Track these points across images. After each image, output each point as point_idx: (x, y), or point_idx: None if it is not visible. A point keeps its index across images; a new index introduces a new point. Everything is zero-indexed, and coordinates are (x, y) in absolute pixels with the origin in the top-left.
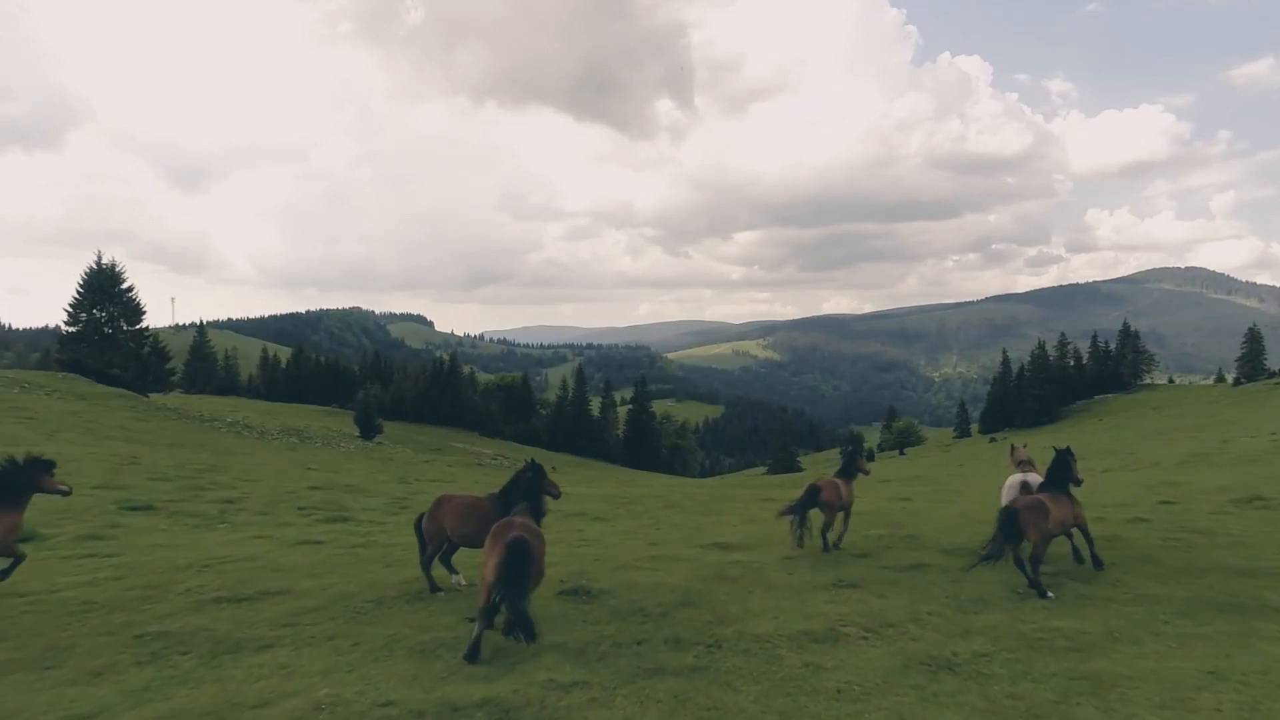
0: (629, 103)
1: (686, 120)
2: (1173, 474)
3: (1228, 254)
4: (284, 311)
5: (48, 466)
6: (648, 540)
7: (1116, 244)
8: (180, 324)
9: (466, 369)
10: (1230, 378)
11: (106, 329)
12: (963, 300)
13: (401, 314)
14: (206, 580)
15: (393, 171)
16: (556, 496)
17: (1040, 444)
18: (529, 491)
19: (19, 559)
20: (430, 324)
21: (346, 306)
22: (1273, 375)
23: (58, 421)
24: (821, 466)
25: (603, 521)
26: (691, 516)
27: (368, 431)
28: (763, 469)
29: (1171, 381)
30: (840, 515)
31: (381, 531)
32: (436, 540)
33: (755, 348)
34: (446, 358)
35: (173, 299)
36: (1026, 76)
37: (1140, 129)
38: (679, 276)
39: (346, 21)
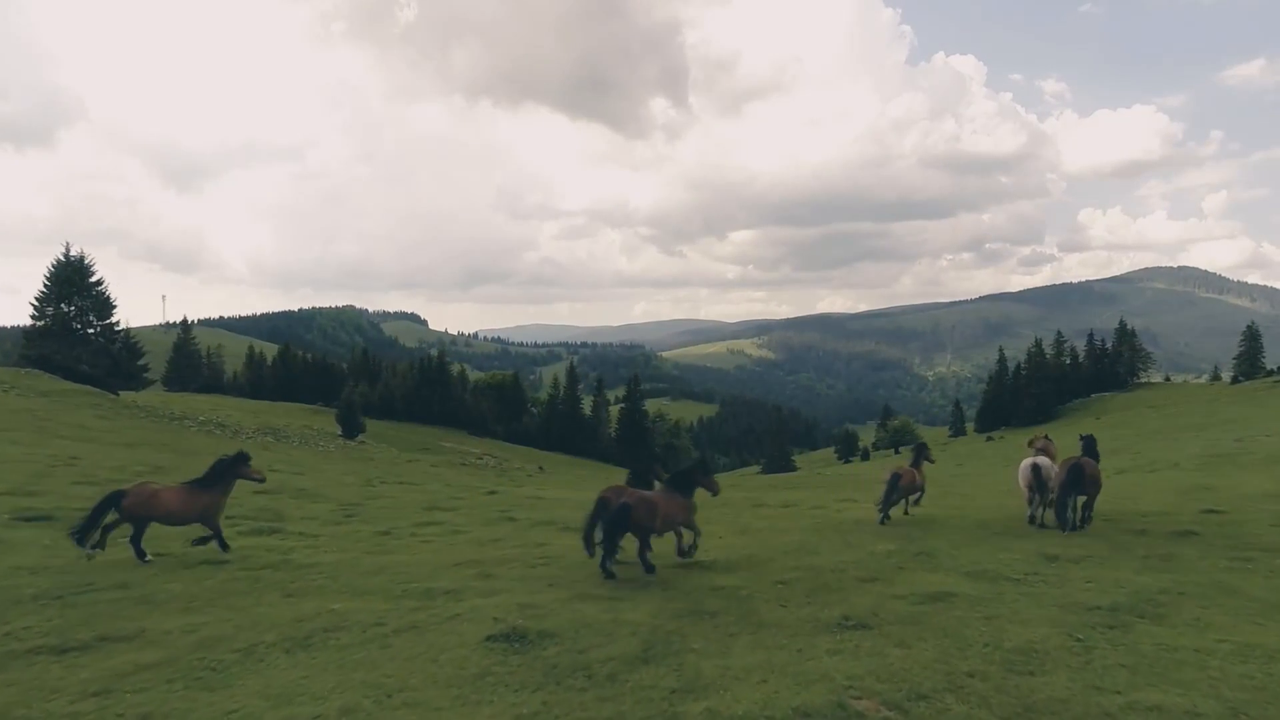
0: (625, 102)
1: (682, 119)
2: (1199, 476)
3: (1220, 254)
4: (277, 310)
5: (246, 458)
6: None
7: (1109, 243)
8: (171, 322)
9: (458, 367)
10: (1227, 376)
11: (75, 324)
12: (957, 299)
13: (396, 313)
14: (40, 620)
15: (388, 171)
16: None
17: None
18: (686, 480)
19: (216, 533)
20: (424, 323)
21: (340, 305)
22: (1270, 373)
23: (7, 420)
24: (817, 465)
25: (573, 532)
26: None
27: (350, 430)
28: (757, 468)
29: (1168, 380)
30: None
31: (308, 547)
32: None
33: (750, 347)
34: (436, 355)
35: (163, 297)
36: (1020, 76)
37: (1133, 129)
38: (675, 276)
39: (339, 21)
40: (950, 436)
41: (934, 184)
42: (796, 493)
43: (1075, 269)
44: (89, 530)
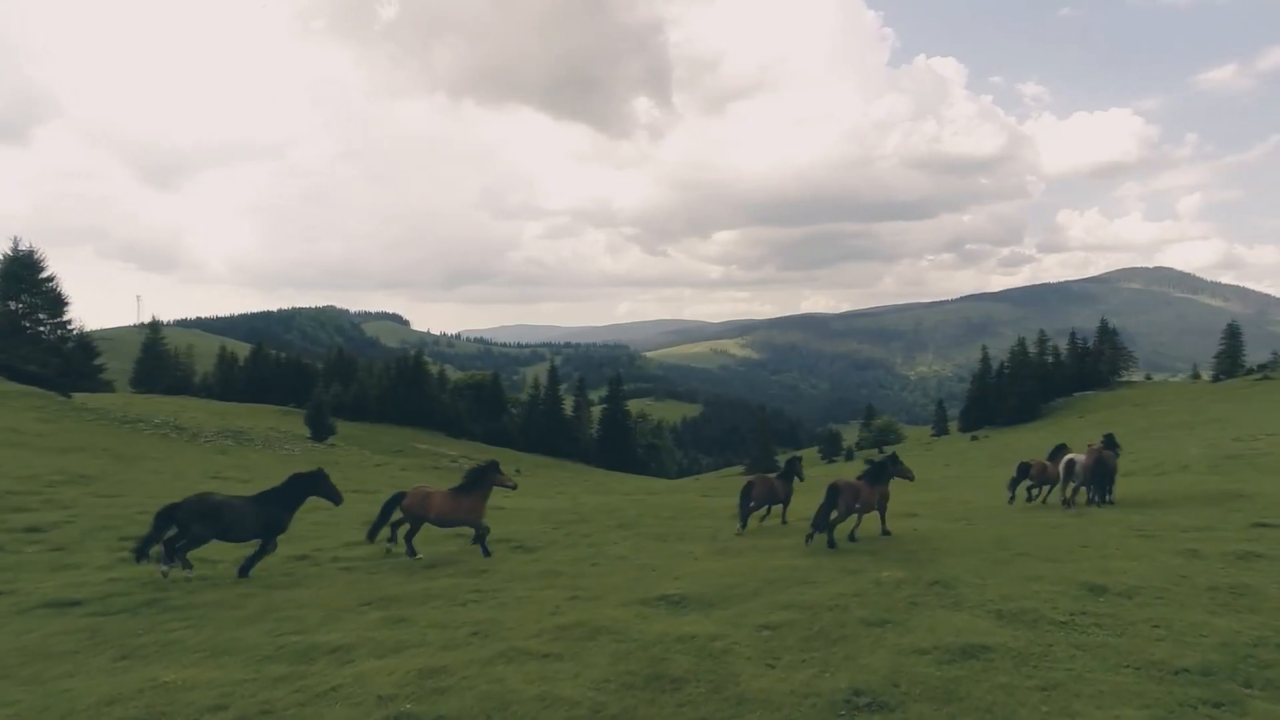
0: (608, 101)
1: (665, 119)
2: (1219, 480)
3: (1194, 254)
4: (256, 310)
5: (496, 466)
6: (569, 590)
7: (1087, 244)
8: (145, 322)
9: (437, 367)
10: (1207, 374)
11: (24, 322)
12: (938, 300)
13: (377, 313)
14: None
15: (371, 169)
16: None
17: (1024, 441)
18: (882, 470)
19: (482, 533)
20: (406, 323)
21: (321, 305)
22: (1251, 372)
23: None
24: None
25: (524, 553)
26: (644, 543)
27: (319, 432)
28: (741, 468)
29: (1149, 378)
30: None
31: (197, 580)
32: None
33: (734, 346)
34: (414, 355)
35: (138, 296)
36: (1000, 79)
37: (1110, 131)
38: (659, 275)
39: (319, 18)
40: (933, 436)
41: (915, 185)
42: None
43: (1054, 269)
44: (378, 530)
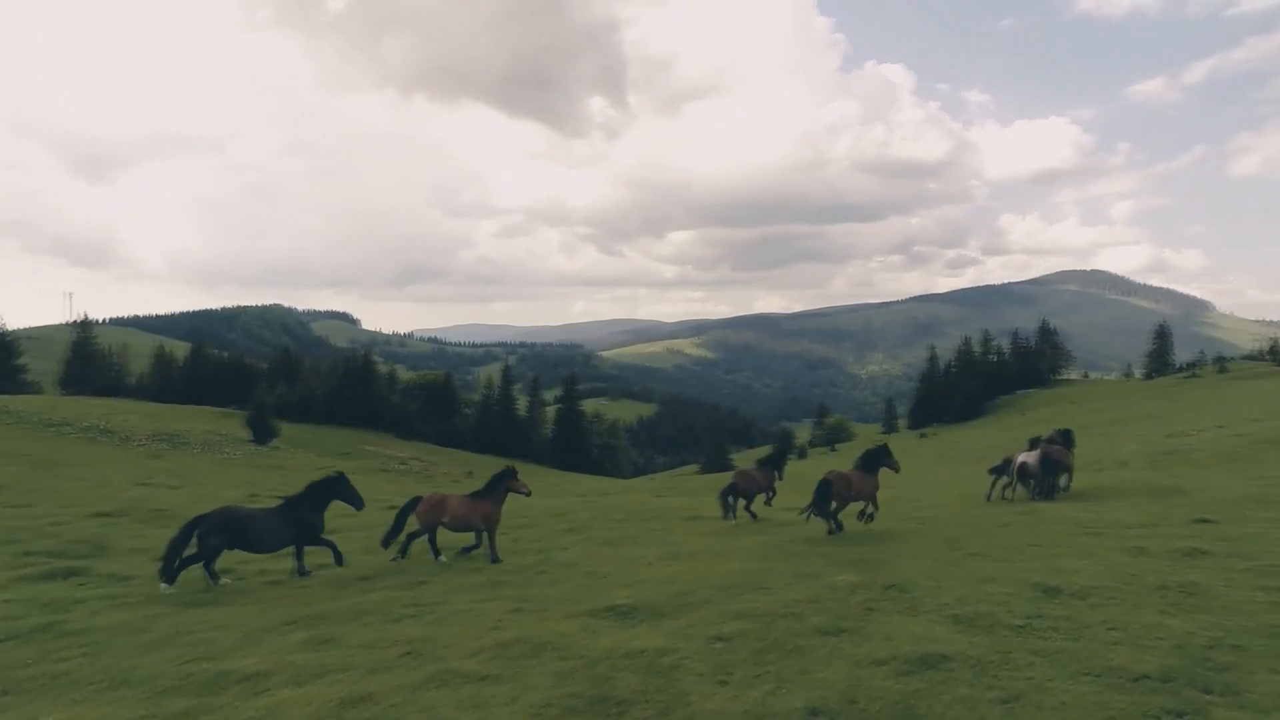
0: (562, 99)
1: (621, 118)
2: (1157, 476)
3: (1126, 258)
4: (197, 309)
5: (513, 473)
6: (514, 601)
7: (1027, 247)
8: (76, 320)
9: (387, 367)
10: (1138, 373)
11: None
12: (887, 300)
13: (326, 312)
14: None
15: (319, 164)
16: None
17: (970, 438)
18: (874, 460)
19: (492, 537)
20: (356, 322)
21: (266, 304)
22: (1179, 370)
23: None
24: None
25: (468, 560)
26: (594, 549)
27: (261, 435)
28: (695, 467)
29: (1086, 377)
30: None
31: (102, 601)
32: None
33: (689, 346)
34: (363, 354)
35: (69, 294)
36: (947, 86)
37: (1049, 139)
38: (614, 275)
39: (265, 7)
40: (883, 433)
41: (865, 188)
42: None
43: (996, 271)
44: (394, 536)
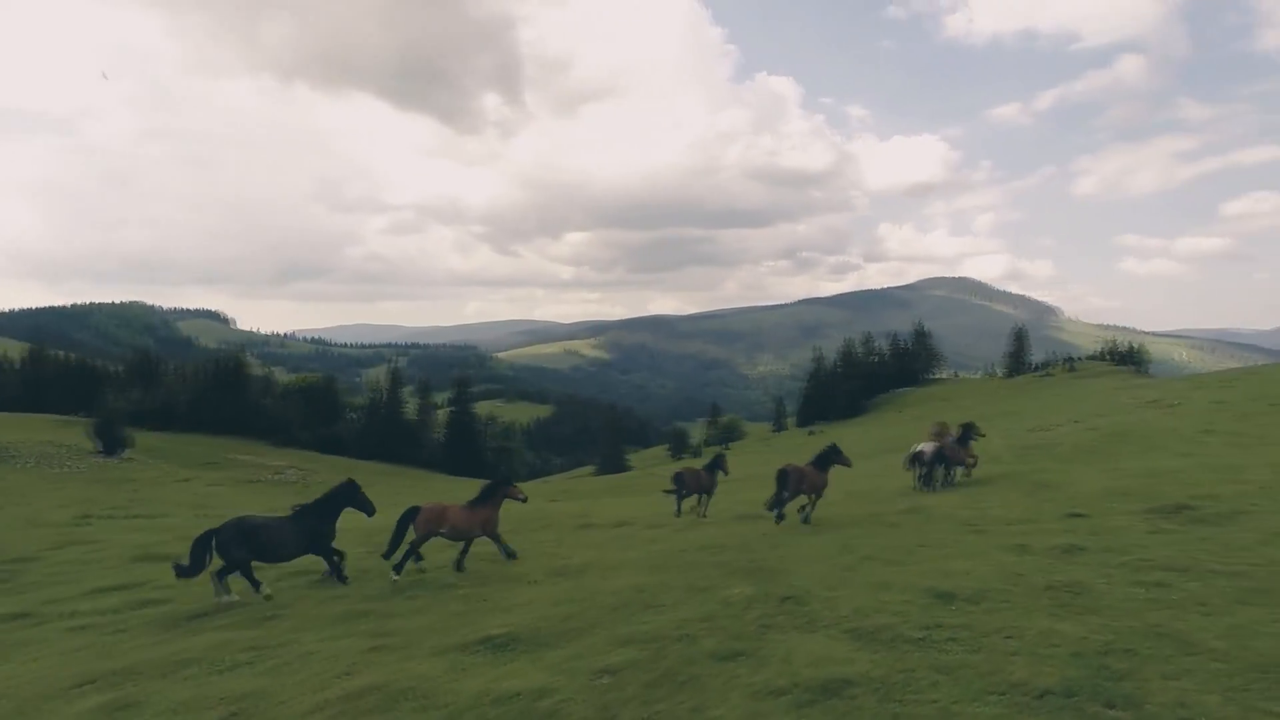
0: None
1: (516, 117)
2: (1025, 470)
3: (988, 266)
4: (42, 306)
5: (509, 480)
6: (373, 636)
7: (903, 255)
8: None
9: (263, 369)
10: (1000, 372)
11: None
12: (777, 303)
13: (195, 310)
14: None
15: (186, 151)
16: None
17: (853, 435)
18: (827, 458)
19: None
20: (229, 321)
21: (124, 301)
22: (1035, 369)
23: None
24: (650, 464)
25: (328, 586)
26: (476, 564)
27: (111, 445)
28: (592, 468)
29: (955, 376)
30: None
31: None
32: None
33: (585, 347)
34: (234, 356)
35: None
36: (831, 100)
37: (922, 154)
38: (509, 275)
39: None
40: (773, 431)
41: (755, 195)
42: (631, 501)
43: (876, 277)
44: (396, 548)
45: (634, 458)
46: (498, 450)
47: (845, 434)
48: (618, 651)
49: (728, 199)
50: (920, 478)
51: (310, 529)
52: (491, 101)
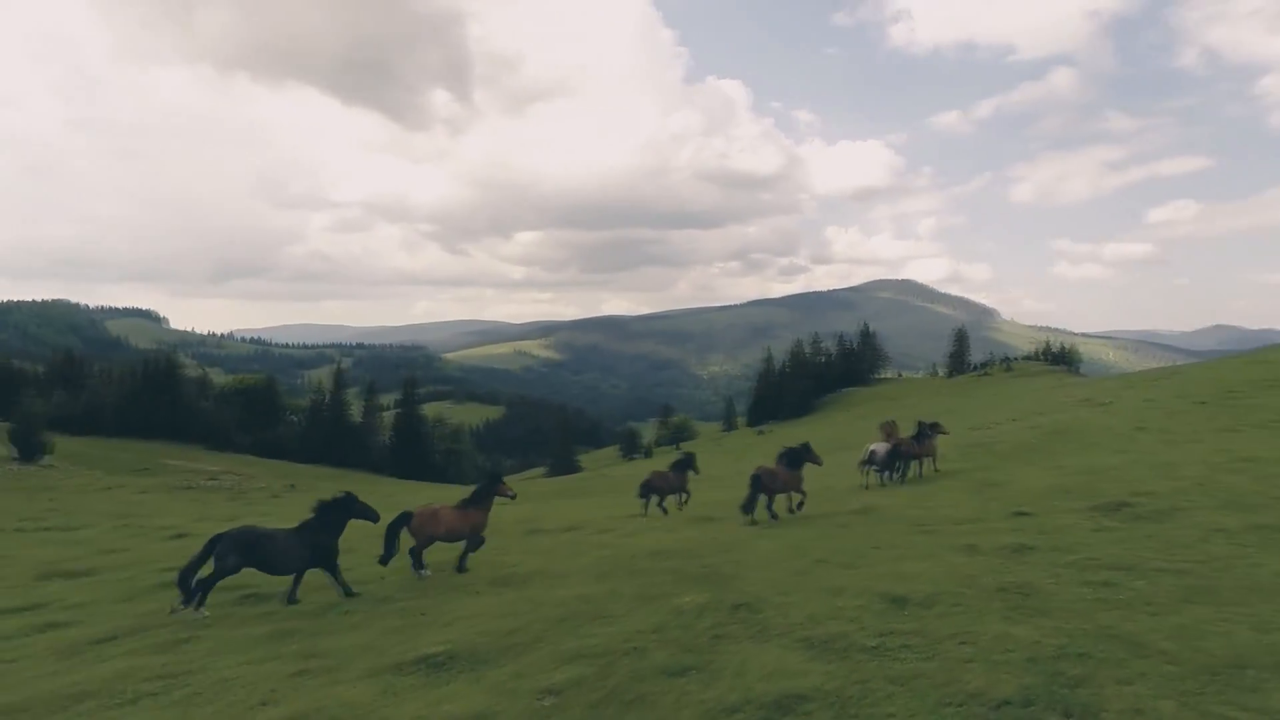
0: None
1: (466, 114)
2: (969, 467)
3: (930, 269)
4: None
5: (499, 478)
6: (300, 658)
7: (849, 257)
8: None
9: (199, 370)
10: (942, 372)
11: None
12: (727, 304)
13: (126, 309)
14: None
15: (118, 143)
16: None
17: (804, 433)
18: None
19: (479, 544)
20: (163, 321)
21: (48, 299)
22: (975, 369)
23: None
24: (602, 464)
25: (255, 603)
26: (413, 577)
27: (29, 451)
28: (543, 470)
29: (899, 376)
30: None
31: None
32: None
33: (536, 348)
34: (167, 356)
35: None
36: (780, 105)
37: (867, 159)
38: (459, 275)
39: None
40: (723, 431)
41: (706, 196)
42: (582, 504)
43: (823, 279)
44: (391, 555)
45: (585, 459)
46: (446, 452)
47: (795, 433)
48: (563, 668)
49: (679, 200)
50: (880, 474)
51: (314, 543)
52: (440, 98)
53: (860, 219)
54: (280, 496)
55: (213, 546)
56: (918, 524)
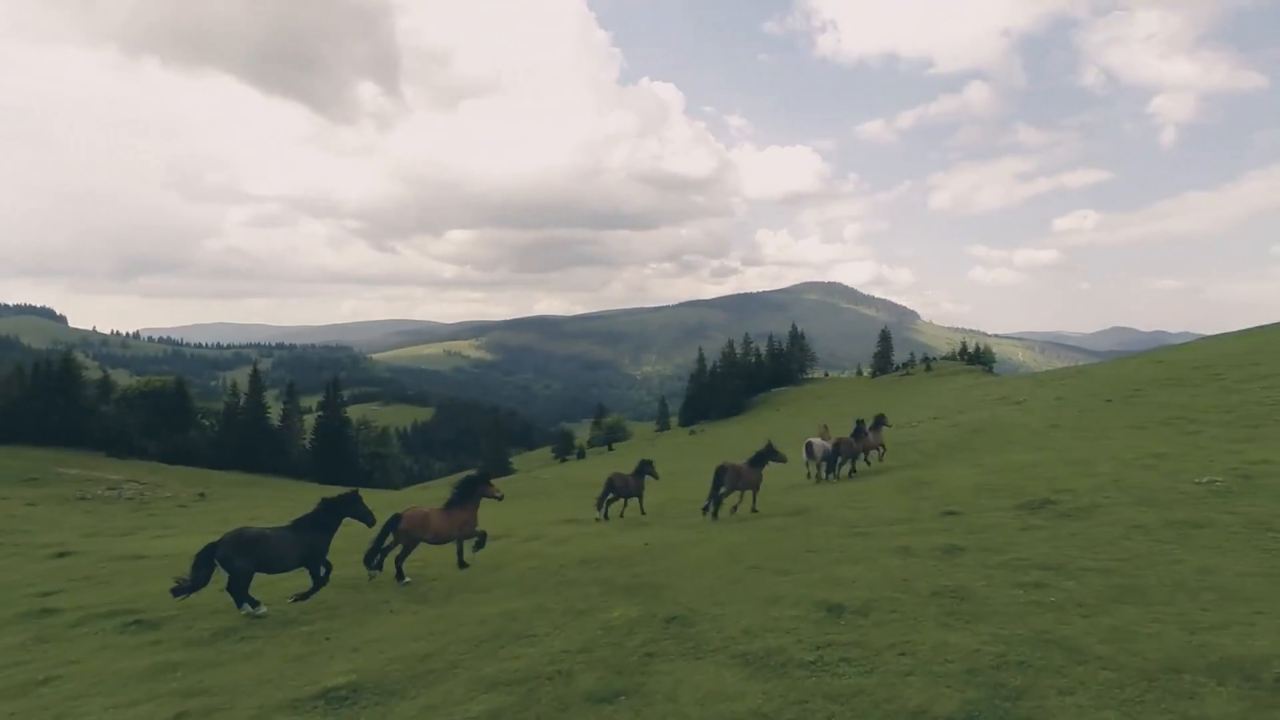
0: (328, 82)
1: (394, 108)
2: (898, 466)
3: (856, 272)
4: None
5: (487, 478)
6: (180, 695)
7: (779, 260)
8: None
9: (100, 372)
10: (867, 371)
11: None
12: (661, 305)
13: (19, 306)
14: None
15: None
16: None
17: (735, 433)
18: (762, 457)
19: (482, 541)
20: (62, 319)
21: None
22: (898, 369)
23: None
24: (535, 465)
25: (137, 632)
26: (326, 593)
27: None
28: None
29: (827, 375)
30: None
31: None
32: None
33: (468, 348)
34: (62, 357)
35: None
36: (712, 109)
37: (796, 165)
38: (387, 273)
39: None
40: (657, 431)
41: (640, 197)
42: (511, 509)
43: (754, 281)
44: (375, 553)
45: (518, 460)
46: (371, 456)
47: (727, 433)
48: (480, 698)
49: (613, 201)
50: (819, 468)
51: (309, 540)
52: (368, 91)
53: (790, 222)
54: (189, 506)
55: (208, 557)
56: (851, 525)
